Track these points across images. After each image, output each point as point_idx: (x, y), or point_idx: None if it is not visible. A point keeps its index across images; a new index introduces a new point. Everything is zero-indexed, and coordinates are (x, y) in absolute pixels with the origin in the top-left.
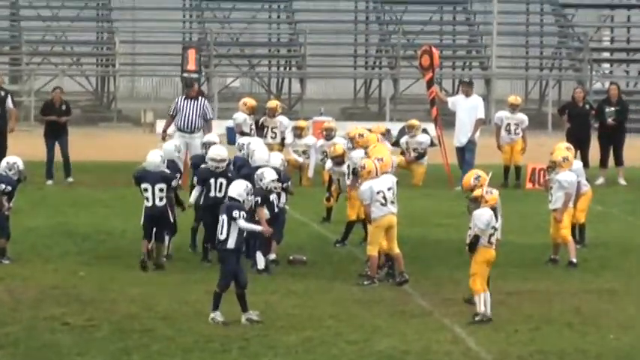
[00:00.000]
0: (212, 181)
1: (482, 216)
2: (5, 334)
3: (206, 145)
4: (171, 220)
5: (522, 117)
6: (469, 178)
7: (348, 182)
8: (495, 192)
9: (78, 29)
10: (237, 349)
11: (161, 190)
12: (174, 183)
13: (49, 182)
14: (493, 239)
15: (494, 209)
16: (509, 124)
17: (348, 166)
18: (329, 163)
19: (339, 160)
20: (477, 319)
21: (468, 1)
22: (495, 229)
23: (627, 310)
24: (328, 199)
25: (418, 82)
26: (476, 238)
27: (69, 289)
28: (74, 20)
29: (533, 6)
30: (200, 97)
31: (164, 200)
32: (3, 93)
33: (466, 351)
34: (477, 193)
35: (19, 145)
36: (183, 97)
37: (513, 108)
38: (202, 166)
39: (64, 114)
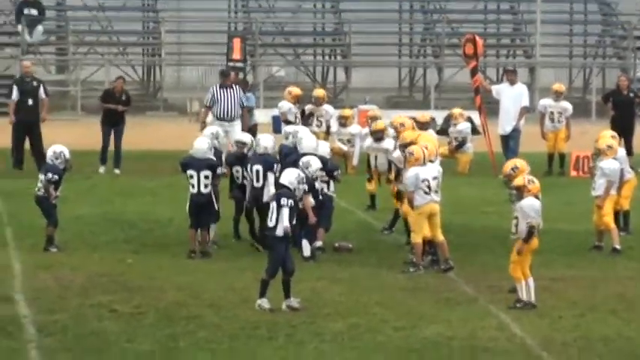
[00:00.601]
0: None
1: (533, 206)
2: (53, 322)
3: (237, 144)
4: (216, 208)
5: (566, 105)
6: (507, 167)
7: (391, 176)
8: (537, 181)
9: (124, 19)
10: (284, 336)
11: (206, 177)
12: (219, 171)
13: (102, 169)
14: (540, 226)
15: (538, 198)
16: (552, 112)
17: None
18: (368, 141)
19: (379, 135)
20: (517, 305)
21: None
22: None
23: None
24: (369, 180)
25: (462, 71)
26: (532, 228)
27: (116, 276)
28: (120, 10)
29: None
30: (235, 85)
31: (209, 188)
32: (35, 83)
33: (511, 337)
34: (518, 182)
35: (66, 134)
36: (218, 86)
37: (557, 95)
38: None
39: (123, 104)
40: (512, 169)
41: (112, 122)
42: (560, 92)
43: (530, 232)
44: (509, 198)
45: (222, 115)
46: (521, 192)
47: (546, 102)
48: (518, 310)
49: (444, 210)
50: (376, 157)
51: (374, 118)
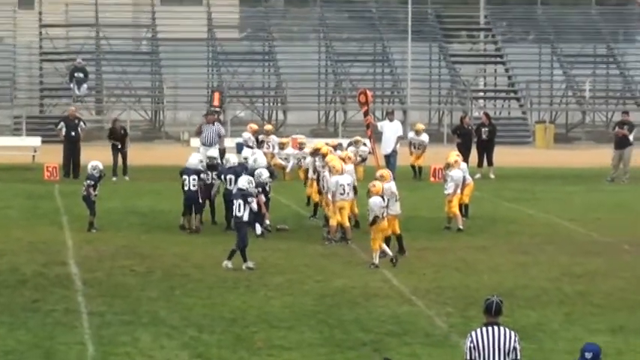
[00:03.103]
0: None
1: (375, 202)
2: (93, 277)
3: (210, 158)
4: (200, 201)
5: (424, 138)
6: (377, 174)
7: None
8: (378, 184)
9: (139, 79)
10: (244, 287)
11: (194, 179)
12: (202, 176)
13: (114, 178)
14: (385, 214)
15: (382, 196)
16: (415, 143)
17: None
18: (308, 158)
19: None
20: (372, 267)
21: (391, 59)
22: (385, 208)
23: (495, 259)
24: (305, 184)
25: (359, 113)
26: (376, 218)
27: (134, 248)
28: (137, 74)
29: (434, 62)
30: (215, 122)
31: (196, 187)
32: (77, 121)
33: (392, 287)
34: (372, 187)
35: (101, 155)
36: (205, 122)
37: (417, 132)
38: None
39: (122, 136)
40: (379, 176)
41: (118, 148)
42: (420, 130)
43: (374, 221)
44: (366, 195)
45: (205, 142)
46: (369, 193)
47: (411, 135)
48: (387, 267)
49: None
50: (313, 169)
51: (302, 144)
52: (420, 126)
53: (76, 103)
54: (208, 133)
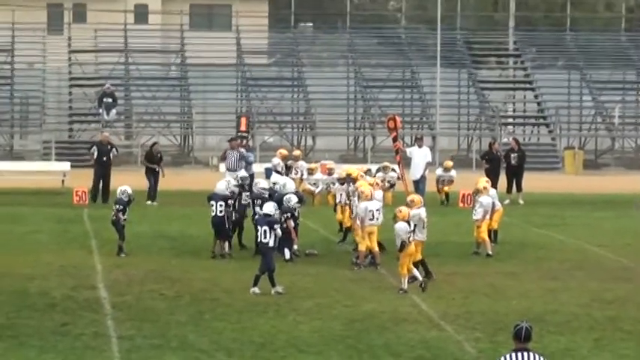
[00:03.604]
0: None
1: (401, 228)
2: (122, 301)
3: (242, 179)
4: (226, 227)
5: (452, 173)
6: (408, 199)
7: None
8: (405, 210)
9: (168, 105)
10: (273, 311)
11: (221, 205)
12: (229, 202)
13: (148, 202)
14: (411, 239)
15: (407, 221)
16: (444, 179)
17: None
18: (337, 184)
19: (342, 180)
20: (400, 292)
21: (419, 85)
22: (411, 232)
23: (525, 285)
24: (335, 210)
25: (388, 139)
26: (403, 242)
27: (163, 272)
28: (166, 99)
29: (463, 88)
30: (238, 148)
31: (223, 213)
32: (109, 147)
33: (420, 311)
34: (395, 211)
35: (130, 179)
36: (229, 147)
37: (446, 169)
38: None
39: (159, 160)
40: (410, 201)
41: (152, 173)
42: (449, 167)
43: (402, 245)
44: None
45: (230, 167)
46: (395, 218)
47: (439, 172)
48: (416, 292)
49: (380, 229)
50: (341, 195)
51: (331, 169)
52: (449, 163)
53: (105, 129)
54: (232, 159)
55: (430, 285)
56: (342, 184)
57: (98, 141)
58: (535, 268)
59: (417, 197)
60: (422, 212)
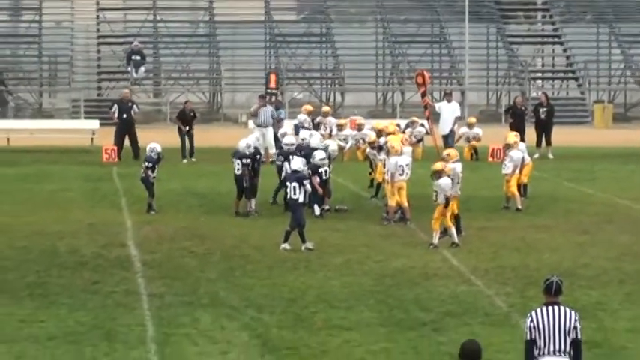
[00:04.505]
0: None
1: (447, 184)
2: (153, 259)
3: (282, 135)
4: (245, 184)
5: (477, 130)
6: (443, 153)
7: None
8: (450, 166)
9: (197, 61)
10: (303, 267)
11: (238, 163)
12: (246, 161)
13: (184, 161)
14: (454, 194)
15: (450, 177)
16: (468, 136)
17: (380, 147)
18: (368, 149)
19: (372, 145)
20: (431, 247)
21: (448, 40)
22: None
23: (555, 239)
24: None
25: (416, 94)
26: (448, 199)
27: (193, 229)
28: (195, 56)
29: (492, 43)
30: (267, 105)
31: (240, 171)
32: (130, 103)
33: (451, 266)
34: (436, 167)
35: (159, 137)
36: (259, 103)
37: (470, 125)
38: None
39: (192, 119)
40: (446, 155)
41: (186, 131)
42: (472, 123)
43: (447, 201)
44: (431, 177)
45: (259, 123)
46: (439, 174)
47: (463, 129)
48: (447, 247)
49: (409, 184)
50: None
51: (360, 125)
52: (472, 119)
53: (134, 86)
54: (262, 115)
55: (459, 240)
56: (373, 148)
57: (119, 99)
58: (565, 222)
59: (453, 151)
60: (458, 167)
